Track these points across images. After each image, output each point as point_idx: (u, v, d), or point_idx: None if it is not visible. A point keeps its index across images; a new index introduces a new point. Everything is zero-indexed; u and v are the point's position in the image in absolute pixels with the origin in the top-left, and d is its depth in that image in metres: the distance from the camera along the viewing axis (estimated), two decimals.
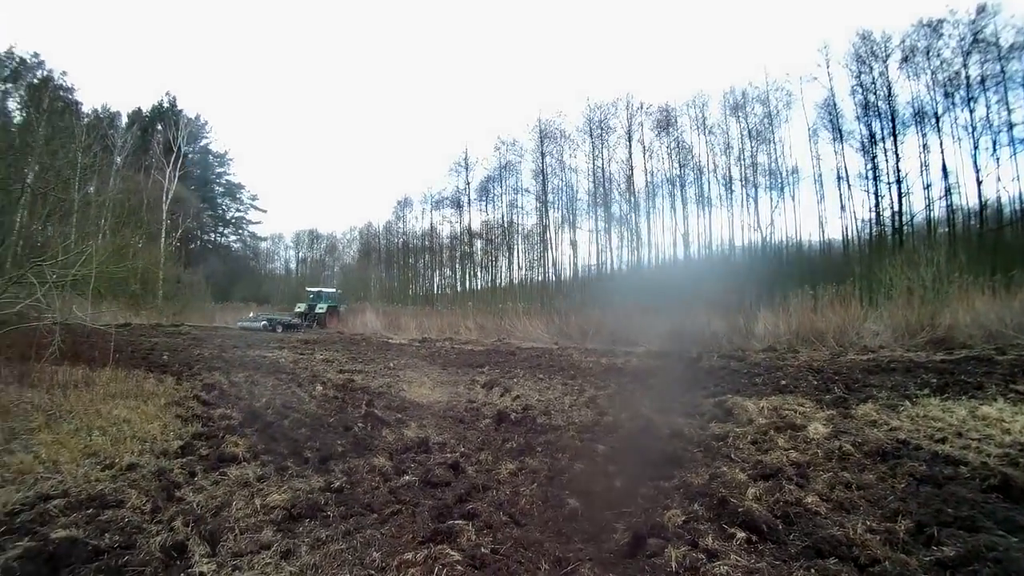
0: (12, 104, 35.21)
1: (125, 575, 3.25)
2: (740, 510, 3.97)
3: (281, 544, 3.72)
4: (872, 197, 32.96)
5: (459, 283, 52.10)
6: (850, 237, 34.34)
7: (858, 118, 33.42)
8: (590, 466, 5.50)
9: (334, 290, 40.21)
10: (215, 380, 10.24)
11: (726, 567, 3.24)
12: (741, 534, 3.70)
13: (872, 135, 32.75)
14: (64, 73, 44.61)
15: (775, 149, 36.74)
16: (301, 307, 36.03)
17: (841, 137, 34.19)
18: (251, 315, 33.49)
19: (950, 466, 4.98)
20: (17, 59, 36.28)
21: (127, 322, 25.72)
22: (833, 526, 3.76)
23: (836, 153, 34.60)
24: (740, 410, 7.46)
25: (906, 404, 7.46)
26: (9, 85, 35.31)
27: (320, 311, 35.21)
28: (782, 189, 36.36)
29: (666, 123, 40.76)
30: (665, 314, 20.26)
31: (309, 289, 38.92)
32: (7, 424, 5.80)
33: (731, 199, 38.35)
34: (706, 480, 4.90)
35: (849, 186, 33.97)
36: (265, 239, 67.54)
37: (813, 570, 3.23)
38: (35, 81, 37.77)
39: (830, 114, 34.50)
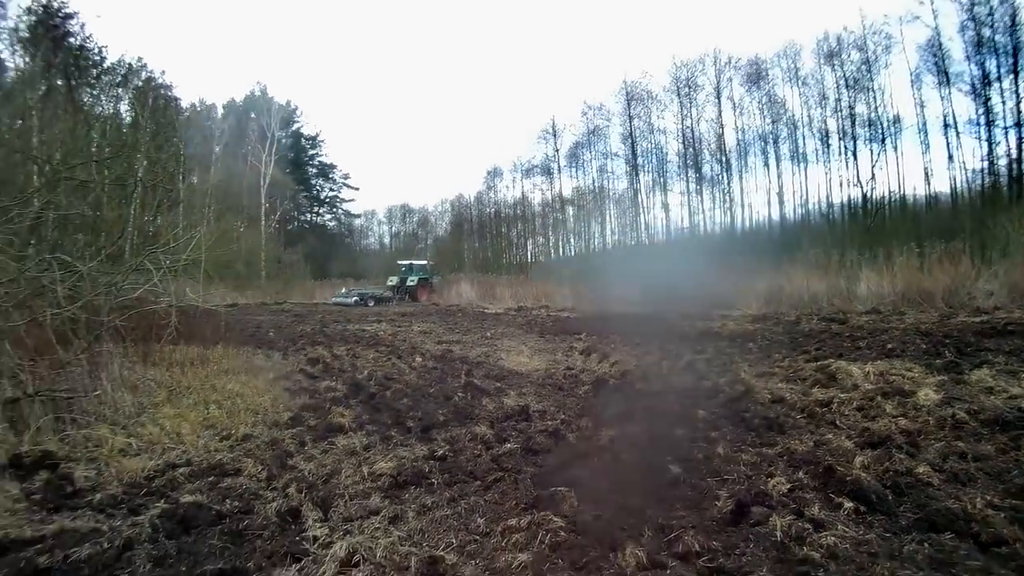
0: (122, 107, 37.49)
1: (245, 538, 3.40)
2: (847, 479, 3.76)
3: (389, 510, 3.79)
4: (984, 144, 29.68)
5: (553, 250, 52.10)
6: (959, 189, 31.31)
7: (968, 57, 29.98)
8: (691, 432, 5.37)
9: (425, 262, 40.14)
10: (319, 354, 10.65)
11: (833, 538, 3.06)
12: (848, 504, 3.52)
13: (985, 75, 29.25)
14: (163, 72, 47.31)
15: (874, 98, 33.91)
16: (393, 280, 35.97)
17: (947, 80, 30.93)
18: (343, 291, 33.91)
19: None
20: (127, 65, 38.51)
21: (234, 302, 27.23)
22: (948, 499, 3.46)
23: (942, 98, 31.36)
24: (844, 375, 7.08)
25: None
26: (120, 90, 37.56)
27: (411, 284, 34.96)
28: (883, 141, 33.48)
29: (756, 77, 38.84)
30: (761, 276, 19.61)
31: (400, 263, 38.99)
32: (136, 399, 6.20)
33: (828, 153, 36.06)
34: (811, 447, 4.69)
35: (958, 134, 30.87)
36: (359, 216, 69.45)
37: (927, 544, 2.99)
38: (139, 83, 39.93)
39: (935, 56, 31.24)
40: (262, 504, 3.89)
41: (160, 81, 43.59)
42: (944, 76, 30.96)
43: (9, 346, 5.17)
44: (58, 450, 4.73)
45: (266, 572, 2.97)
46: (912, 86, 32.59)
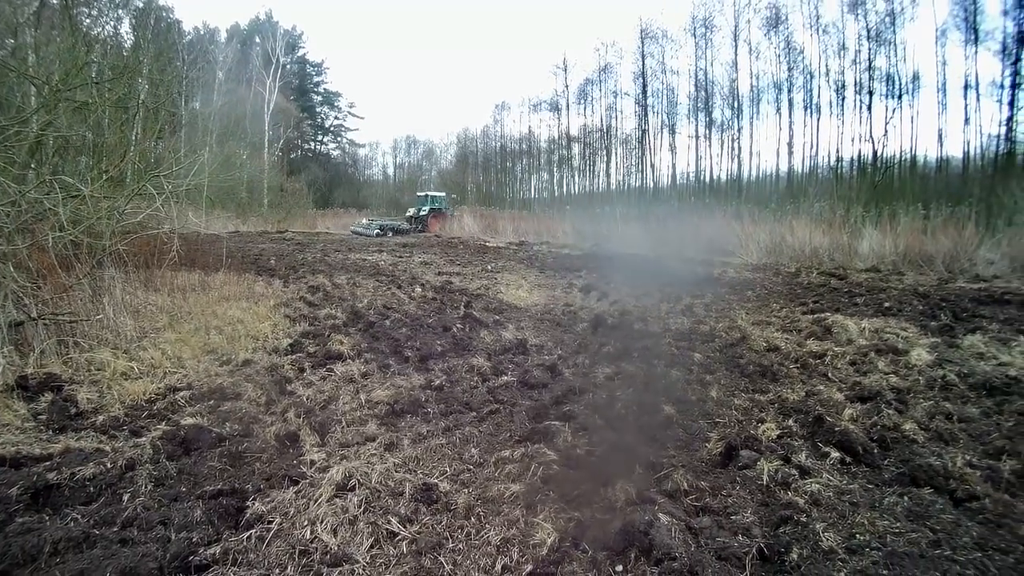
0: (123, 29, 36.59)
1: (244, 460, 3.51)
2: (836, 430, 3.86)
3: (385, 437, 3.89)
4: (1006, 108, 27.22)
5: (556, 187, 51.72)
6: (972, 154, 29.38)
7: (1005, 12, 27.10)
8: (685, 374, 5.50)
9: (443, 194, 39.85)
10: (319, 282, 10.70)
11: (818, 485, 3.18)
12: (835, 454, 3.63)
13: (1021, 32, 26.41)
14: None
15: (895, 52, 32.10)
16: (411, 211, 35.97)
17: (976, 38, 28.49)
18: (364, 222, 33.84)
19: None
20: None
21: (236, 229, 27.19)
22: (931, 456, 3.54)
23: (967, 57, 29.11)
24: (840, 329, 7.17)
25: (1020, 339, 6.71)
26: (121, 11, 36.60)
27: (423, 214, 34.99)
28: (899, 98, 31.49)
29: (775, 21, 37.21)
30: (764, 226, 19.56)
31: (419, 194, 38.83)
32: (138, 324, 6.28)
33: (842, 107, 34.51)
34: (802, 397, 4.80)
35: (978, 96, 28.66)
36: (363, 146, 68.82)
37: (906, 497, 3.08)
38: (140, 4, 38.91)
39: (966, 11, 28.74)
40: (261, 428, 4.00)
41: (161, 3, 42.59)
42: (973, 32, 28.58)
43: (12, 269, 5.19)
44: (62, 373, 4.84)
45: (264, 494, 3.07)
46: (936, 42, 30.29)
